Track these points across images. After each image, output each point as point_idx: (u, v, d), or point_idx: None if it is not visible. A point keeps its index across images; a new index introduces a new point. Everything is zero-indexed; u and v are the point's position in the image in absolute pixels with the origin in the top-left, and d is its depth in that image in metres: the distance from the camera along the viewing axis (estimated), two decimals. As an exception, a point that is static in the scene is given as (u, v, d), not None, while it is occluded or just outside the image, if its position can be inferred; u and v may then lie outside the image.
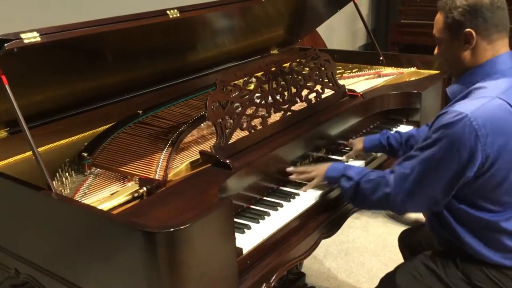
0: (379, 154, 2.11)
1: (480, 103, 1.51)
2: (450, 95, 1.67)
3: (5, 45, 1.36)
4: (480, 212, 1.60)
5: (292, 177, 1.80)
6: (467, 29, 1.56)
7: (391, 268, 1.85)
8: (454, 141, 1.49)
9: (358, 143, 2.07)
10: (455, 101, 1.59)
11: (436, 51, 1.70)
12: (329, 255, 3.05)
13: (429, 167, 1.54)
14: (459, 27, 1.57)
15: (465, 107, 1.51)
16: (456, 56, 1.62)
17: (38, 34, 1.42)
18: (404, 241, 2.08)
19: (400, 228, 2.38)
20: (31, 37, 1.40)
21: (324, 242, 1.78)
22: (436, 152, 1.52)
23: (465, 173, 1.52)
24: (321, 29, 3.71)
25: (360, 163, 2.01)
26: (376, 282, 1.87)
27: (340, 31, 5.32)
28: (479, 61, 1.59)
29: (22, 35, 1.39)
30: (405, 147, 1.99)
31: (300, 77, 2.01)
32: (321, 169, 1.79)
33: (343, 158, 2.04)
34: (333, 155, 2.05)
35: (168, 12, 1.75)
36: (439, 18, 1.63)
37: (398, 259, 2.07)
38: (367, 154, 2.08)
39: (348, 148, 2.09)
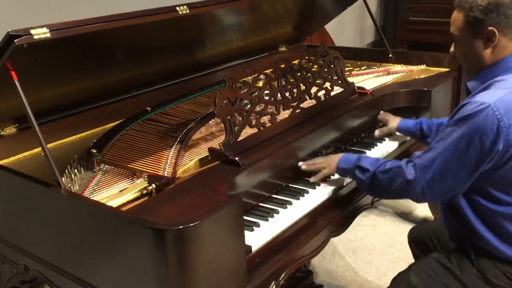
0: (408, 138, 2.17)
1: (503, 93, 1.52)
2: (471, 89, 1.67)
3: (15, 41, 1.35)
4: (497, 205, 1.59)
5: (303, 167, 1.79)
6: (490, 27, 1.55)
7: (399, 266, 1.84)
8: (477, 131, 1.49)
9: (394, 121, 2.12)
10: (476, 93, 1.59)
11: (452, 49, 1.70)
12: (337, 253, 3.04)
13: (452, 157, 1.54)
14: (481, 25, 1.56)
15: (487, 97, 1.52)
16: (476, 54, 1.61)
17: (48, 30, 1.41)
18: (414, 238, 2.07)
19: (408, 227, 2.37)
20: (41, 33, 1.39)
21: (332, 240, 1.77)
22: (459, 143, 1.52)
23: (485, 163, 1.52)
24: (329, 26, 3.69)
25: (395, 144, 2.12)
26: (385, 280, 1.86)
27: (348, 28, 5.30)
28: (499, 57, 1.59)
29: (32, 31, 1.38)
30: (435, 134, 1.98)
31: (309, 74, 2.00)
32: (332, 160, 1.79)
33: (376, 132, 2.12)
34: (342, 151, 2.04)
35: (177, 8, 1.75)
36: (457, 16, 1.62)
37: (407, 257, 2.07)
38: (400, 136, 2.16)
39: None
